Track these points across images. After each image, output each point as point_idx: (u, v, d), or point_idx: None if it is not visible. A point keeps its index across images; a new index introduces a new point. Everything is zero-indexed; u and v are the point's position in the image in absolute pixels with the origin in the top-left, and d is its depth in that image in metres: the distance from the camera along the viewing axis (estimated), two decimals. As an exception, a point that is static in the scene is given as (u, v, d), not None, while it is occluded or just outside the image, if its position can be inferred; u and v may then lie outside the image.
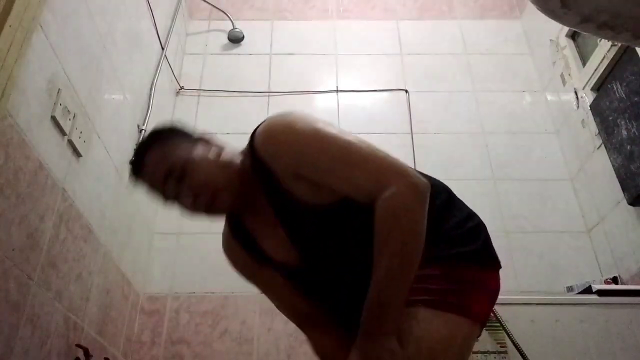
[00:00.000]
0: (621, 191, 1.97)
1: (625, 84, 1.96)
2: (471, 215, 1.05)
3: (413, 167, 2.25)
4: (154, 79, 2.25)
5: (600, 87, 2.16)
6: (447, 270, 0.94)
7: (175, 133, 1.04)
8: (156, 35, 2.31)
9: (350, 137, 0.94)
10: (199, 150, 1.00)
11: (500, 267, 1.02)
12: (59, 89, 1.38)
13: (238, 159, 1.02)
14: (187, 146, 1.00)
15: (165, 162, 0.98)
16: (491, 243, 1.04)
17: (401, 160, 0.93)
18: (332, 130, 0.95)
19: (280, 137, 0.95)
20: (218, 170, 0.99)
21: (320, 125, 0.95)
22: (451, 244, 0.98)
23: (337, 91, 2.67)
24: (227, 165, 1.00)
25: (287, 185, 0.95)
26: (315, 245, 1.00)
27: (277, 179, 0.95)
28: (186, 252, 2.26)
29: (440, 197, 1.03)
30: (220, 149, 1.03)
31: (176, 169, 0.97)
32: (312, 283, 1.06)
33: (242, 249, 1.10)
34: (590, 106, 2.20)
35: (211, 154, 1.01)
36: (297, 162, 0.93)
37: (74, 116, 1.46)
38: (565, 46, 2.45)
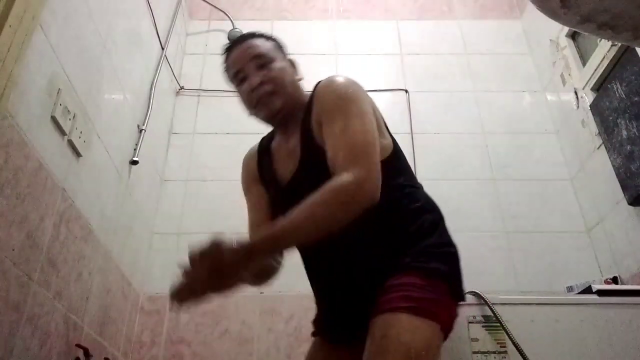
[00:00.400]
0: (621, 191, 1.97)
1: (625, 84, 1.96)
2: (453, 243, 1.12)
3: (413, 167, 2.30)
4: (154, 79, 2.25)
5: (600, 87, 2.16)
6: (426, 281, 1.00)
7: (278, 42, 1.25)
8: (156, 35, 2.31)
9: (367, 123, 1.05)
10: (285, 62, 1.21)
11: (463, 300, 1.09)
12: (59, 89, 1.38)
13: (304, 90, 1.22)
14: (280, 54, 1.22)
15: (261, 48, 1.18)
16: (462, 275, 1.10)
17: (378, 167, 1.00)
18: (365, 111, 1.06)
19: (331, 90, 1.10)
20: (289, 81, 1.17)
21: (362, 105, 1.07)
22: (432, 258, 1.04)
23: (337, 91, 2.67)
24: (296, 84, 1.20)
25: (313, 126, 1.10)
26: (305, 178, 1.10)
27: (310, 118, 1.11)
28: (186, 252, 2.26)
29: (434, 215, 1.12)
30: (299, 75, 1.24)
31: (264, 58, 1.16)
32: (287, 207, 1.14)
33: (257, 165, 1.28)
34: (590, 106, 2.20)
35: (292, 71, 1.22)
36: (323, 112, 1.08)
37: (74, 116, 1.46)
38: (565, 46, 2.44)
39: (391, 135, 1.18)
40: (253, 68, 1.15)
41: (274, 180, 1.20)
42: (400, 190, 1.10)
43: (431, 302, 0.98)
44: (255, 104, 1.16)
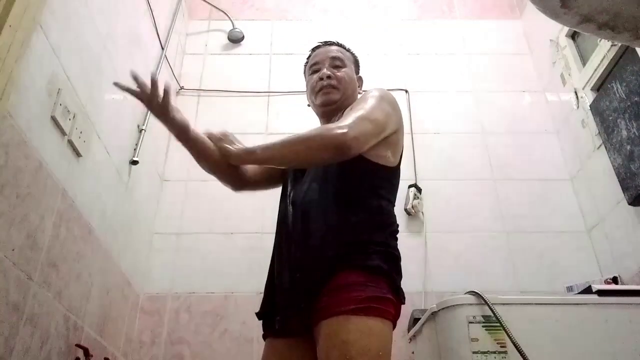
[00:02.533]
0: (621, 191, 1.97)
1: (625, 84, 1.96)
2: (398, 250, 1.19)
3: (413, 167, 2.34)
4: (154, 79, 2.25)
5: (600, 87, 2.16)
6: (368, 277, 1.07)
7: (356, 58, 1.51)
8: (156, 35, 2.31)
9: (384, 116, 1.21)
10: (354, 74, 1.45)
11: (404, 302, 1.15)
12: (59, 89, 1.38)
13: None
14: (353, 67, 1.46)
15: (340, 54, 1.43)
16: (401, 277, 1.17)
17: (368, 140, 1.14)
18: (387, 111, 1.23)
19: (370, 90, 1.30)
20: (350, 87, 1.39)
21: (387, 106, 1.25)
22: (374, 256, 1.11)
23: (337, 91, 2.67)
24: (355, 93, 1.42)
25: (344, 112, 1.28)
26: None
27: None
28: (186, 252, 2.26)
29: (391, 220, 1.22)
30: (360, 89, 1.47)
31: (339, 61, 1.41)
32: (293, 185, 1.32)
33: None
34: (590, 106, 2.20)
35: (356, 83, 1.45)
36: (356, 101, 1.30)
37: (74, 116, 1.46)
38: (565, 46, 2.45)
39: (400, 162, 1.30)
40: (327, 65, 1.39)
41: None
42: (375, 194, 1.20)
43: (378, 300, 1.05)
44: (318, 91, 1.37)
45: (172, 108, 1.24)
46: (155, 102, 1.22)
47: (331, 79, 1.36)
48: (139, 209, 2.11)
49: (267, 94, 2.70)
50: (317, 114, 1.44)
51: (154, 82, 1.22)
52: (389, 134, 1.23)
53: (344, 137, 1.08)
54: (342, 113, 1.30)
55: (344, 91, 1.37)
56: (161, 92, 1.22)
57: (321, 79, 1.37)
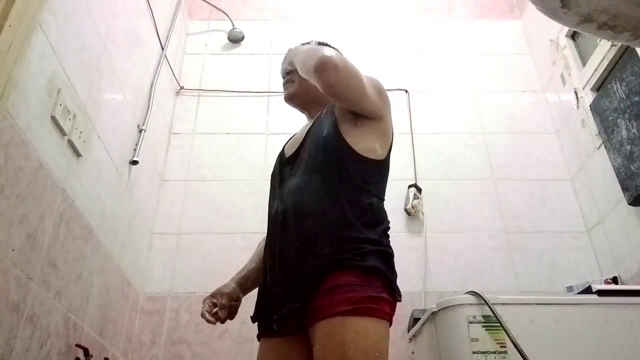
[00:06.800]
0: (621, 191, 1.97)
1: (625, 84, 1.96)
2: (391, 248, 1.17)
3: (413, 167, 2.34)
4: (154, 79, 2.25)
5: (600, 87, 2.16)
6: (362, 278, 1.06)
7: (321, 42, 1.45)
8: (156, 35, 2.31)
9: (365, 83, 1.20)
10: None
11: (399, 299, 1.13)
12: (59, 89, 1.38)
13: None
14: None
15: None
16: (396, 275, 1.15)
17: (345, 76, 1.15)
18: (367, 87, 1.22)
19: None
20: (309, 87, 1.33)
21: (372, 85, 1.25)
22: (368, 256, 1.09)
23: (337, 91, 2.67)
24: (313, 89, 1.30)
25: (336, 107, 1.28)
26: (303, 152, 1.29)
27: (335, 115, 1.28)
28: (186, 252, 2.26)
29: (382, 217, 1.19)
30: None
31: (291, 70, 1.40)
32: (282, 176, 1.34)
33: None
34: (590, 106, 2.20)
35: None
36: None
37: (74, 116, 1.46)
38: (565, 46, 2.45)
39: (389, 157, 1.29)
40: (287, 63, 1.41)
41: (282, 153, 1.39)
42: (365, 190, 1.19)
43: (374, 300, 1.04)
44: (286, 99, 1.44)
45: (239, 297, 1.43)
46: (234, 308, 1.40)
47: (288, 74, 1.41)
48: (138, 209, 2.11)
49: (267, 94, 2.70)
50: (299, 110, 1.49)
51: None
52: (372, 111, 1.23)
53: (329, 58, 1.13)
54: (330, 105, 1.30)
55: (300, 80, 1.36)
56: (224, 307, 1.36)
57: (283, 77, 1.44)
